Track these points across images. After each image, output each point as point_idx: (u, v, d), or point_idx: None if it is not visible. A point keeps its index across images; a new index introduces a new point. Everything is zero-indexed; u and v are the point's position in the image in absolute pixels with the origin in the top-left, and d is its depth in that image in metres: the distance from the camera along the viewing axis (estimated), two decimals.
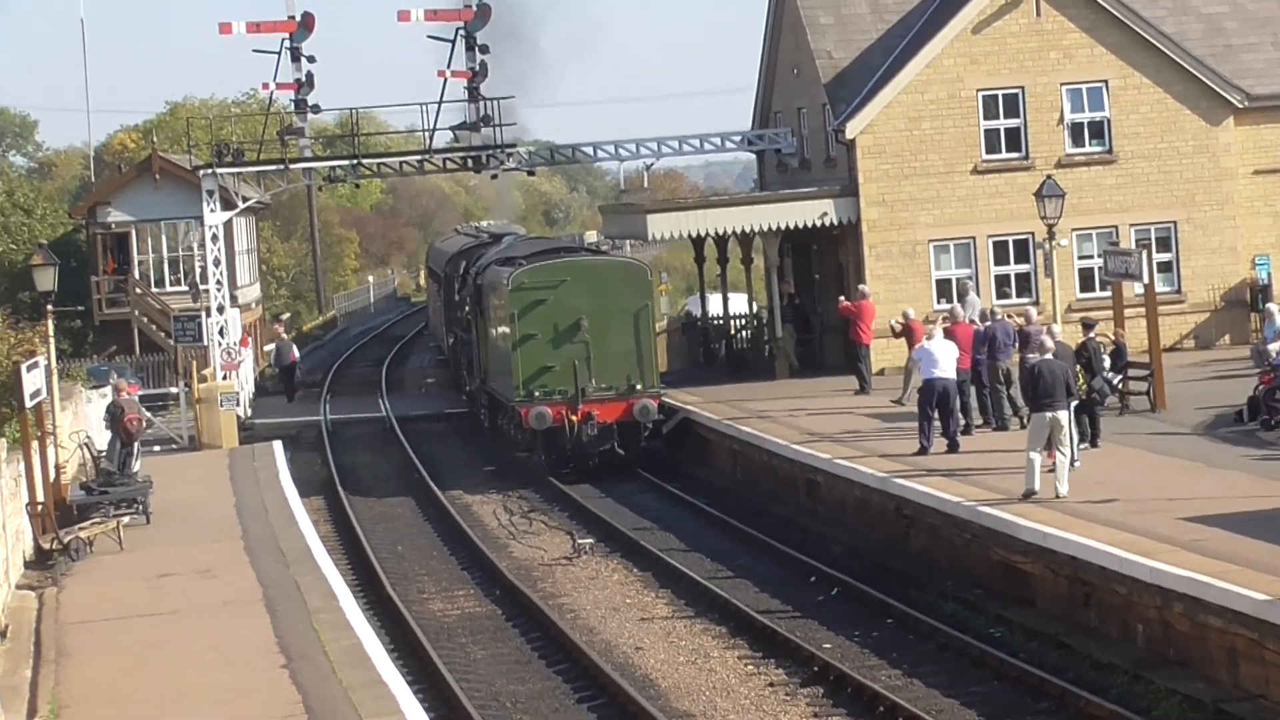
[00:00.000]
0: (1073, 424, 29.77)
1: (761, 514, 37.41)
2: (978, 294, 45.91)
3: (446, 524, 39.09)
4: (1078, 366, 32.10)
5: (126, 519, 34.30)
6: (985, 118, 49.14)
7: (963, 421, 35.73)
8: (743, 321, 57.30)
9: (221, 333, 51.87)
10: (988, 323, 37.64)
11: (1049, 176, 42.38)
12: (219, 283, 52.30)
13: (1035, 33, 49.07)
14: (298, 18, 51.03)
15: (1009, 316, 38.12)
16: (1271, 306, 41.56)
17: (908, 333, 40.58)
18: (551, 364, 43.08)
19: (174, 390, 56.40)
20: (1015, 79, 49.10)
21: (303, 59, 51.33)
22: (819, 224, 49.03)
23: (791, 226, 48.98)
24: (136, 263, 68.85)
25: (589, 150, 54.25)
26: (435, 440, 52.12)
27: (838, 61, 50.63)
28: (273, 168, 52.94)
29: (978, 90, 49.02)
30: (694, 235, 51.85)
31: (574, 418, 42.79)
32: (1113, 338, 37.73)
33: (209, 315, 51.94)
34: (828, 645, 26.45)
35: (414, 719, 20.68)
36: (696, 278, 62.25)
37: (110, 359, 62.36)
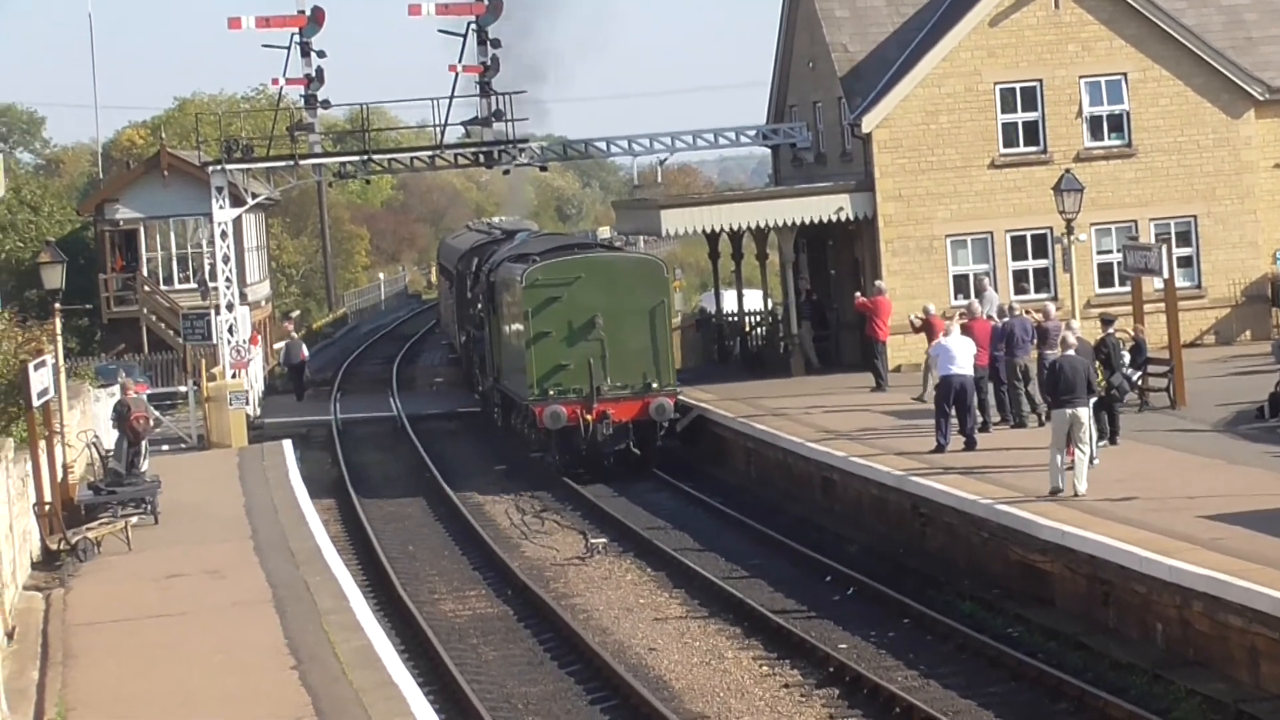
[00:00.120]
0: (1092, 421, 29.75)
1: (776, 513, 37.40)
2: (995, 290, 45.88)
3: (458, 524, 39.11)
4: (1096, 363, 32.06)
5: (135, 519, 34.36)
6: (1003, 111, 49.11)
7: (980, 419, 35.70)
8: (758, 318, 57.29)
9: (231, 331, 51.93)
10: (1005, 319, 37.61)
11: (1067, 170, 42.31)
12: (228, 280, 52.38)
13: (1053, 25, 49.03)
14: (307, 12, 51.12)
15: (1027, 312, 38.11)
16: None
17: (928, 328, 40.52)
18: (566, 362, 42.95)
19: (183, 389, 56.50)
20: (1033, 72, 49.06)
21: (313, 54, 51.40)
22: (835, 219, 49.02)
23: (807, 222, 48.98)
24: (145, 260, 68.98)
25: (602, 145, 54.27)
26: (446, 439, 52.15)
27: (853, 55, 50.62)
28: (282, 164, 53.01)
29: (995, 83, 49.00)
30: (708, 231, 51.88)
31: (589, 417, 42.65)
32: (1132, 334, 37.68)
33: (218, 313, 51.99)
34: (843, 645, 26.45)
35: None
36: (711, 274, 62.25)
37: (118, 357, 62.48)
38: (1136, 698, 22.70)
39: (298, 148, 52.48)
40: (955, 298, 47.59)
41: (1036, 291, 48.44)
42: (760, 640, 27.29)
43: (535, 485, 43.18)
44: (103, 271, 68.57)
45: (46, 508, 33.16)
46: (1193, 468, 31.18)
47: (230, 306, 52.20)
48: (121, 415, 36.86)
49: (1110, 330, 34.62)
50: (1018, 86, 49.16)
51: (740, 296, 57.24)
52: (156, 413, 45.70)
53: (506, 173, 58.23)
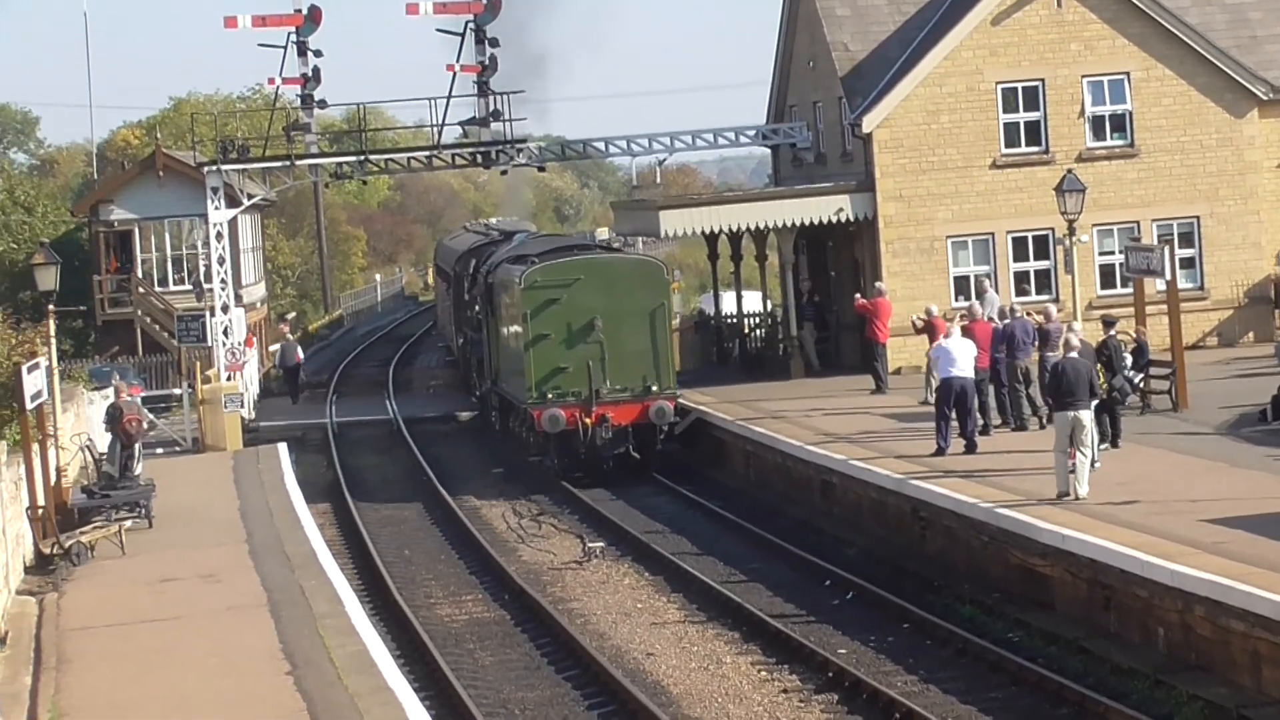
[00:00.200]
0: (1093, 424, 29.76)
1: (775, 516, 37.43)
2: (996, 291, 45.89)
3: (454, 527, 39.13)
4: (1098, 365, 32.08)
5: (129, 523, 34.37)
6: (1005, 111, 49.13)
7: (981, 421, 35.72)
8: (757, 320, 57.30)
9: (226, 333, 51.95)
10: (1006, 320, 37.63)
11: (1069, 171, 42.35)
12: (223, 281, 52.39)
13: (1056, 24, 49.06)
14: (304, 11, 51.15)
15: (1028, 314, 38.11)
16: None
17: (930, 330, 40.51)
18: (565, 365, 42.89)
19: (177, 391, 56.51)
20: (1035, 71, 49.07)
21: (309, 53, 51.44)
22: (835, 220, 49.04)
23: (807, 223, 49.00)
24: (140, 261, 68.97)
25: (600, 145, 54.30)
26: (443, 442, 52.16)
27: (854, 54, 50.64)
28: (278, 164, 53.02)
29: (997, 83, 49.03)
30: (707, 232, 51.90)
31: (588, 420, 42.56)
32: (1134, 335, 37.72)
33: (213, 315, 52.03)
34: (843, 650, 26.47)
35: None
36: (710, 275, 62.26)
37: (113, 359, 62.49)
38: (1138, 703, 22.72)
39: (294, 148, 52.50)
40: (956, 299, 47.58)
41: (1038, 293, 48.46)
42: (759, 645, 27.31)
43: (532, 489, 43.19)
44: (97, 273, 68.56)
45: (40, 511, 33.18)
46: (1195, 471, 31.19)
47: (225, 308, 52.22)
48: (114, 418, 36.88)
49: (1112, 332, 34.64)
50: (1020, 86, 49.18)
51: (739, 298, 57.23)
52: (150, 415, 45.73)
53: (504, 173, 58.25)
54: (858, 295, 46.76)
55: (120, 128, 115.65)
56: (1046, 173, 47.42)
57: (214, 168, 51.91)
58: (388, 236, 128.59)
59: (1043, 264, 49.04)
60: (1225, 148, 49.37)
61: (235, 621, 26.67)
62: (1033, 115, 49.19)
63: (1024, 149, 49.15)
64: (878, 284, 46.68)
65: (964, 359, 34.71)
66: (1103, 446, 31.92)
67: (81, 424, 42.76)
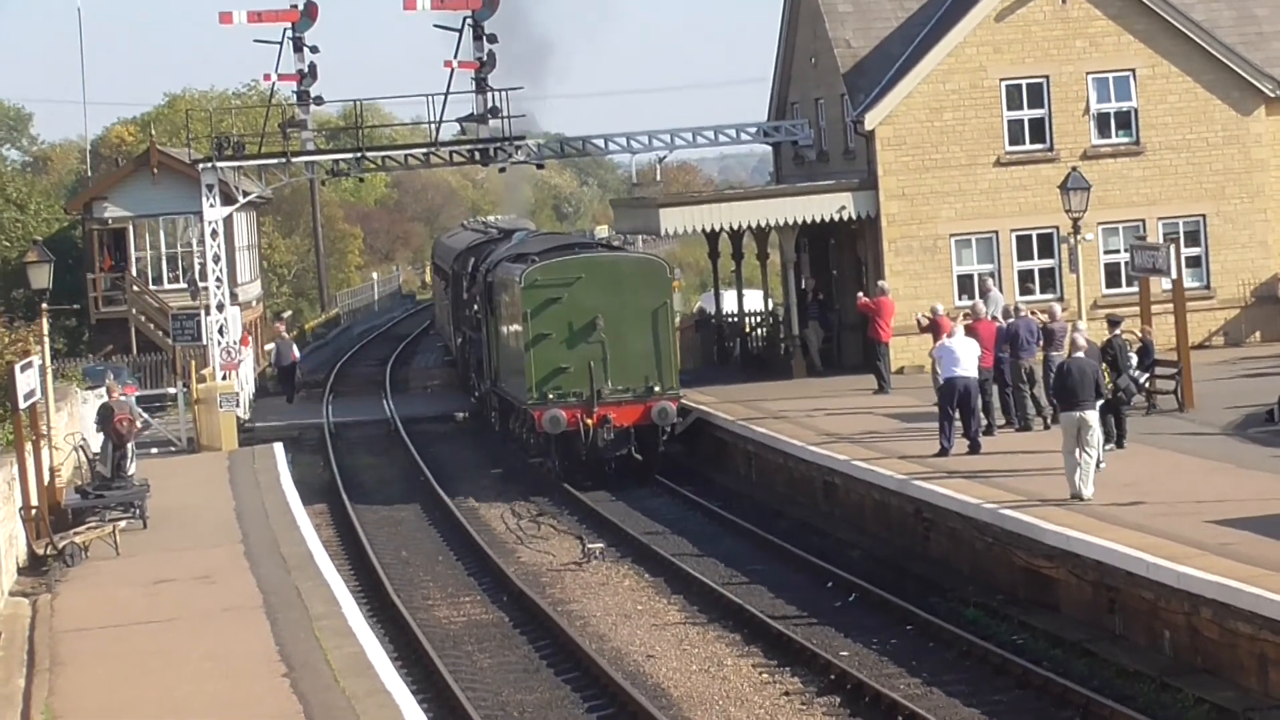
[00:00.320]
0: (1099, 424, 29.74)
1: (777, 517, 37.43)
2: (1000, 290, 45.87)
3: (452, 528, 39.13)
4: (1103, 365, 32.09)
5: (123, 523, 34.34)
6: (1009, 108, 49.12)
7: (984, 422, 35.73)
8: (758, 319, 57.30)
9: (221, 331, 51.94)
10: (1010, 319, 37.62)
11: (1074, 169, 42.36)
12: (218, 280, 52.38)
13: (1060, 20, 49.05)
14: (300, 6, 51.13)
15: (1032, 313, 38.12)
16: None
17: (934, 329, 40.46)
18: (566, 365, 42.75)
19: (172, 391, 56.51)
20: (1040, 68, 49.07)
21: (305, 49, 51.43)
22: (837, 218, 49.04)
23: (809, 221, 48.99)
24: (134, 259, 68.91)
25: (600, 142, 54.28)
26: (441, 442, 52.16)
27: (857, 50, 50.64)
28: (274, 161, 53.01)
29: (1001, 80, 49.02)
30: (708, 230, 51.88)
31: (589, 421, 42.41)
32: (1139, 335, 37.71)
33: (208, 313, 52.01)
34: (845, 653, 26.47)
35: None
36: (710, 274, 62.26)
37: (107, 358, 62.48)
38: (1143, 706, 22.73)
39: (290, 145, 52.48)
40: (959, 298, 47.58)
41: (1042, 292, 48.46)
42: (760, 647, 27.31)
43: (531, 489, 43.18)
44: (91, 271, 68.53)
45: (33, 512, 33.17)
46: (1201, 471, 31.20)
47: (221, 307, 52.20)
48: (105, 418, 36.87)
49: (1117, 331, 34.64)
50: (1024, 83, 49.17)
51: (740, 297, 57.24)
52: (145, 415, 45.74)
53: (503, 170, 58.21)
54: (860, 294, 46.76)
55: (114, 124, 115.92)
56: (1051, 170, 47.43)
57: (209, 165, 51.89)
58: (385, 234, 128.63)
59: (1047, 263, 49.05)
60: (1232, 145, 49.37)
61: (231, 623, 26.66)
62: (1037, 112, 49.19)
63: (1028, 146, 49.15)
64: (880, 283, 46.69)
65: (967, 358, 34.70)
66: (1108, 447, 31.91)
67: (75, 423, 42.76)
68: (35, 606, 29.14)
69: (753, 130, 55.16)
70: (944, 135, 48.88)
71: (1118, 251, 48.41)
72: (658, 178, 64.01)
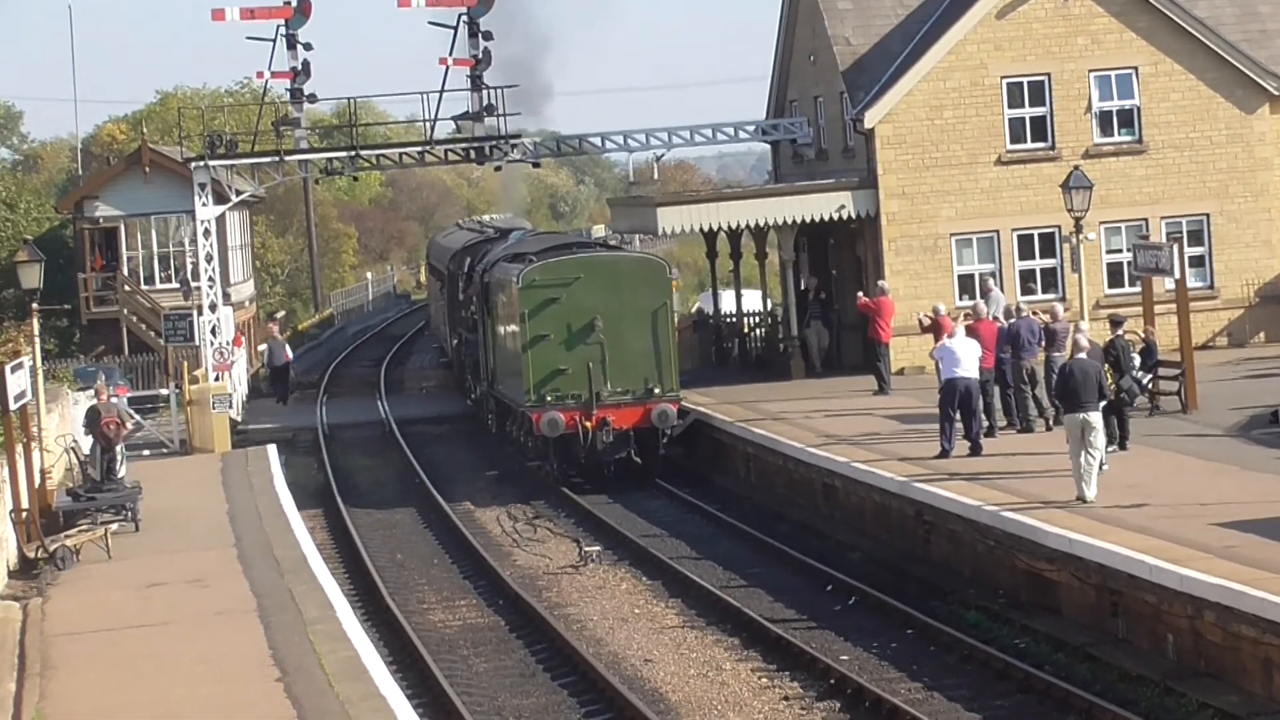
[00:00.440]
0: (1102, 425, 29.74)
1: (776, 520, 37.43)
2: (1001, 290, 45.87)
3: (448, 531, 39.12)
4: (1105, 366, 32.10)
5: (115, 526, 34.37)
6: (1010, 106, 49.12)
7: (986, 423, 35.74)
8: (757, 319, 57.31)
9: (214, 332, 51.93)
10: (1012, 320, 37.63)
11: (1076, 167, 42.38)
12: (211, 280, 52.38)
13: (1062, 17, 49.06)
14: (294, 3, 51.12)
15: (1034, 313, 38.13)
16: None
17: (936, 329, 40.45)
18: (564, 366, 42.61)
19: (164, 392, 56.47)
20: (1041, 65, 49.08)
21: (299, 46, 51.44)
22: (836, 217, 49.03)
23: (808, 220, 48.99)
24: (125, 259, 68.97)
25: (597, 141, 54.29)
26: (436, 444, 52.16)
27: (856, 48, 50.64)
28: (267, 160, 53.02)
29: (1002, 77, 49.02)
30: (706, 229, 51.85)
31: (588, 424, 42.26)
32: (1142, 335, 37.73)
33: (201, 314, 52.02)
34: (845, 657, 26.48)
35: None
36: (708, 273, 62.25)
37: (98, 359, 62.53)
38: (1146, 710, 22.74)
39: (283, 143, 52.49)
40: (960, 298, 47.58)
41: (1044, 292, 48.45)
42: (759, 651, 27.31)
43: (528, 491, 43.16)
44: (82, 271, 68.58)
45: (24, 515, 33.17)
46: (1204, 473, 31.21)
47: (213, 307, 52.19)
48: (93, 421, 36.89)
49: (1120, 332, 34.65)
50: (1025, 81, 49.18)
51: (739, 297, 57.22)
52: (137, 416, 45.71)
53: (498, 169, 58.24)
54: (860, 294, 46.76)
55: (106, 122, 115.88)
56: (1053, 169, 47.45)
57: (201, 163, 51.90)
58: (379, 234, 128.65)
59: (1049, 262, 49.06)
60: (1235, 144, 49.38)
61: (224, 627, 26.67)
62: (1039, 110, 49.20)
63: (1030, 145, 49.16)
64: (880, 283, 46.69)
65: (968, 359, 34.71)
66: (1111, 449, 31.91)
67: (66, 425, 42.74)
68: (26, 610, 29.14)
69: (751, 129, 55.18)
70: (944, 134, 48.89)
71: (1120, 251, 48.42)
72: (655, 176, 64.11)
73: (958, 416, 34.72)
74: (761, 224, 50.08)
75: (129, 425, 38.94)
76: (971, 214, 48.96)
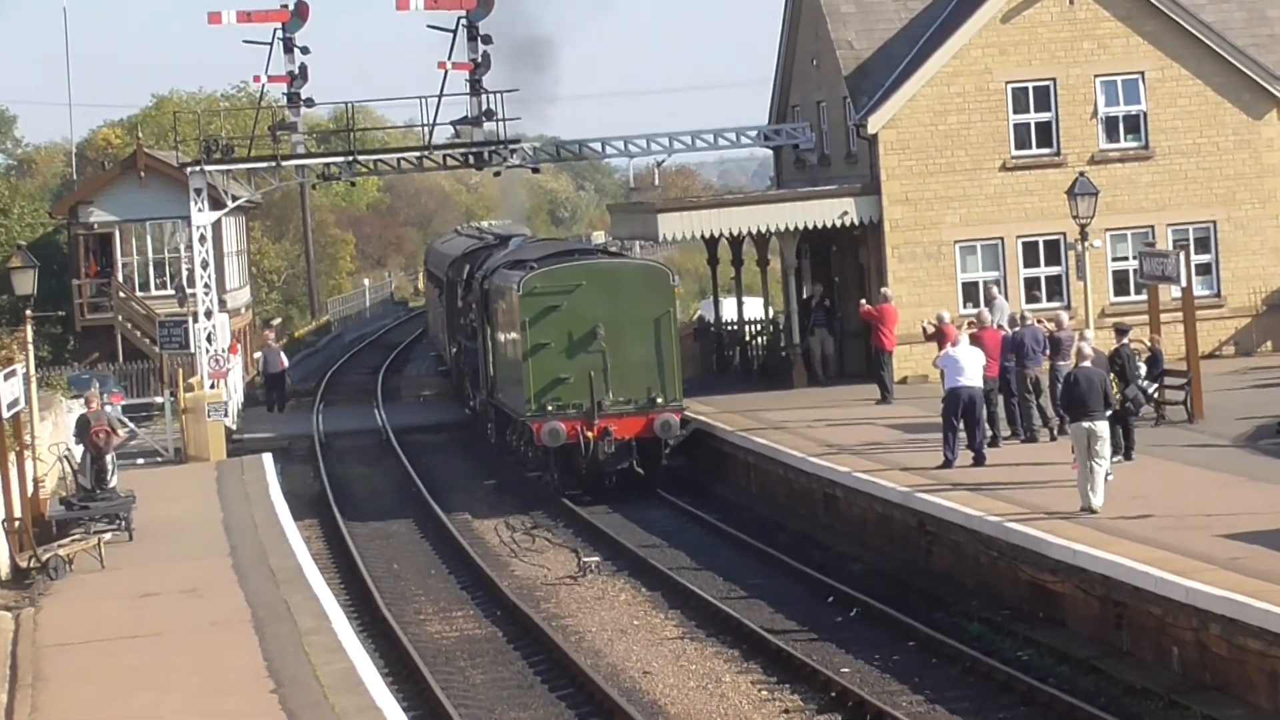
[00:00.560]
0: (1108, 435, 29.75)
1: (777, 530, 37.45)
2: (1006, 298, 45.88)
3: (445, 541, 39.14)
4: (1111, 375, 32.10)
5: (108, 535, 34.37)
6: (1015, 111, 49.14)
7: (989, 433, 35.75)
8: (759, 327, 57.32)
9: (209, 339, 51.92)
10: (1016, 328, 37.63)
11: (1082, 173, 42.34)
12: (207, 286, 52.38)
13: (1068, 22, 49.08)
14: (291, 7, 51.15)
15: (1039, 321, 38.14)
16: None
17: (940, 336, 40.39)
18: (566, 375, 42.47)
19: (159, 400, 56.49)
20: (1046, 70, 49.10)
21: (296, 50, 51.41)
22: (839, 224, 49.04)
23: (810, 226, 49.01)
24: (120, 265, 68.95)
25: (597, 146, 54.29)
26: (434, 452, 52.21)
27: (859, 52, 50.66)
28: (264, 165, 52.99)
29: (1007, 82, 49.05)
30: (707, 236, 51.83)
31: (590, 434, 42.14)
32: (1148, 344, 37.72)
33: (196, 320, 51.98)
34: (846, 669, 26.49)
35: None
36: (709, 280, 62.26)
37: (92, 366, 62.53)
38: None
39: (280, 148, 52.49)
40: (964, 306, 47.58)
41: (1049, 300, 48.46)
42: (760, 663, 27.33)
43: (526, 501, 43.17)
44: (76, 277, 68.59)
45: (16, 524, 33.20)
46: (1211, 484, 31.22)
47: (209, 314, 52.18)
48: (83, 429, 36.91)
49: (1125, 340, 34.64)
50: (1030, 86, 49.20)
51: (740, 304, 57.23)
52: (130, 424, 45.74)
53: (498, 174, 58.26)
54: (863, 301, 46.78)
55: (100, 127, 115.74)
56: (1058, 175, 47.42)
57: (197, 168, 51.88)
58: (377, 240, 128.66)
59: (1054, 270, 49.07)
60: (1243, 150, 49.39)
61: (218, 638, 26.69)
62: (1044, 116, 49.21)
63: (1035, 151, 49.18)
64: (883, 290, 46.69)
65: (972, 368, 34.70)
66: (1115, 459, 31.91)
67: (60, 433, 42.78)
68: (18, 620, 29.15)
69: (753, 134, 55.17)
70: (948, 139, 48.90)
71: (1126, 258, 48.42)
72: (656, 182, 64.02)
73: (961, 426, 34.72)
74: (763, 230, 50.10)
75: (120, 434, 38.96)
76: (976, 220, 48.95)
